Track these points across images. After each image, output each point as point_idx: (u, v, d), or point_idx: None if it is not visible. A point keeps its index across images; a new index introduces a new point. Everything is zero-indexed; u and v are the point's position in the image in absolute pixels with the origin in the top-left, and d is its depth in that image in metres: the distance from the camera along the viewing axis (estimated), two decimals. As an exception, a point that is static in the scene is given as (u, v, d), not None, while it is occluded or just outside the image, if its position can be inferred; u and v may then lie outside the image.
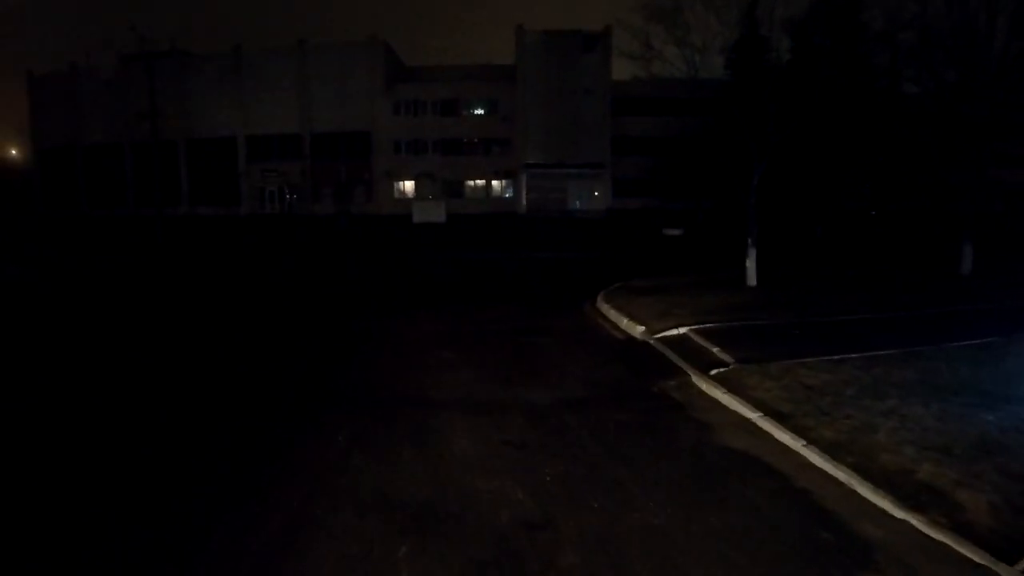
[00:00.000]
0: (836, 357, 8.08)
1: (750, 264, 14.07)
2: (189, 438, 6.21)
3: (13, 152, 65.34)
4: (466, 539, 4.27)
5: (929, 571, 3.91)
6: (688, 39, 14.86)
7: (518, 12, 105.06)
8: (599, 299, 13.05)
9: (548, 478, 5.18)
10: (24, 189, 57.17)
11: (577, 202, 49.21)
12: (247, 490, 5.04)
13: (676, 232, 32.16)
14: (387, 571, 3.94)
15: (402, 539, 4.27)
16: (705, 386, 7.49)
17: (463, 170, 50.43)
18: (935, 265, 17.58)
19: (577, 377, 8.07)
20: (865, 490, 4.80)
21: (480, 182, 51.05)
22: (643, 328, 10.34)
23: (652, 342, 9.73)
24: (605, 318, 11.81)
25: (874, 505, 4.64)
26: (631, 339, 10.23)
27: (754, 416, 6.41)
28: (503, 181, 50.54)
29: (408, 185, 50.82)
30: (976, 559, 3.95)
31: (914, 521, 4.37)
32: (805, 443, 5.60)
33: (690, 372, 8.04)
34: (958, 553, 4.03)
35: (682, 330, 9.91)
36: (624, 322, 11.03)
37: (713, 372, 7.80)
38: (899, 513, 4.48)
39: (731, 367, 7.93)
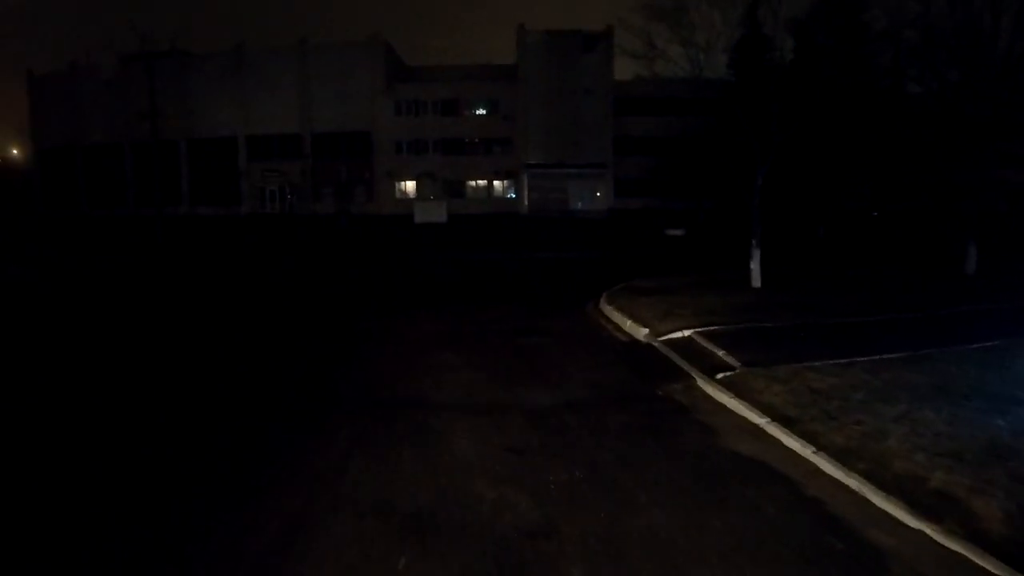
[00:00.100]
0: (843, 360, 7.97)
1: (754, 265, 13.95)
2: (188, 438, 6.15)
3: (14, 152, 65.36)
4: (467, 548, 4.16)
5: (946, 583, 3.81)
6: (692, 38, 14.77)
7: (519, 12, 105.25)
8: (601, 300, 12.94)
9: (552, 485, 5.07)
10: (24, 189, 57.14)
11: (579, 202, 49.12)
12: (245, 492, 5.00)
13: (678, 232, 32.03)
14: (388, 582, 3.85)
15: (402, 546, 4.17)
16: (711, 390, 7.38)
17: (464, 170, 50.35)
18: (939, 265, 17.46)
19: (580, 380, 7.96)
20: (877, 498, 4.69)
21: (481, 182, 50.98)
22: (647, 330, 10.23)
23: (656, 344, 9.63)
24: (608, 319, 11.70)
25: (887, 513, 4.53)
26: (634, 341, 10.12)
27: (761, 421, 6.30)
28: (504, 181, 50.48)
29: (409, 185, 50.75)
30: (993, 570, 3.84)
31: (928, 530, 4.26)
32: (815, 449, 5.49)
33: (695, 375, 7.93)
34: (974, 563, 3.93)
35: (686, 332, 9.80)
36: (627, 324, 10.92)
37: (719, 376, 7.69)
38: (913, 522, 4.37)
39: (737, 371, 7.82)
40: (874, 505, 4.66)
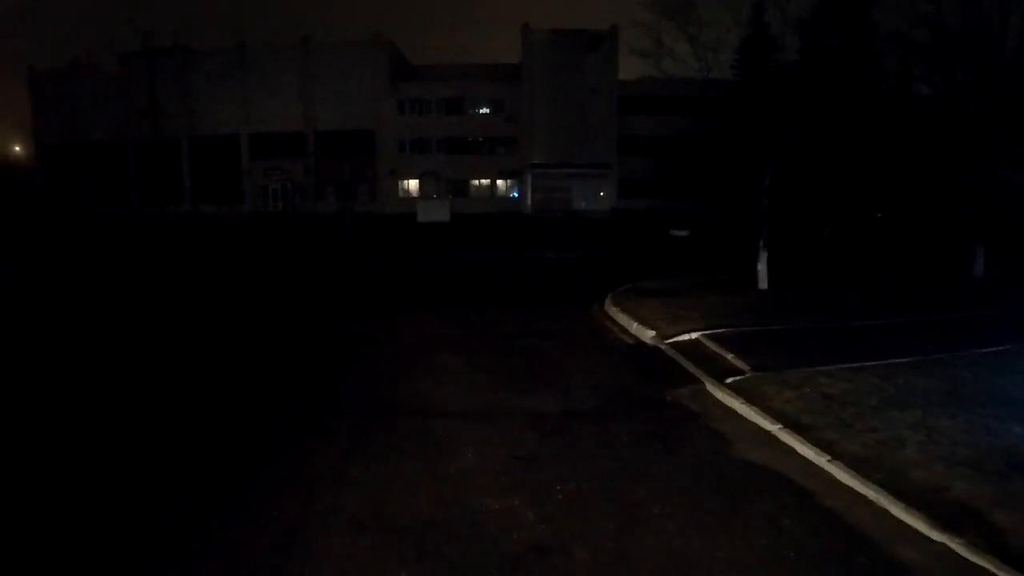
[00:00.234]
0: (855, 365, 7.84)
1: (761, 267, 13.80)
2: (187, 440, 6.09)
3: (16, 149, 65.29)
4: (472, 565, 4.02)
5: (972, 600, 3.69)
6: (700, 36, 14.61)
7: (523, 11, 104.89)
8: (607, 301, 12.80)
9: (559, 496, 4.93)
10: (26, 187, 57.01)
11: (583, 202, 48.92)
12: (245, 492, 4.97)
13: (683, 233, 31.81)
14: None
15: (402, 564, 4.03)
16: (721, 395, 7.25)
17: (468, 169, 50.20)
18: (946, 267, 17.30)
19: (586, 384, 7.82)
20: (897, 509, 4.56)
21: (485, 181, 50.84)
22: (653, 332, 10.10)
23: (663, 347, 9.49)
24: (613, 321, 11.57)
25: (908, 526, 4.40)
26: (641, 344, 9.99)
27: (774, 428, 6.16)
28: (508, 181, 50.35)
29: (412, 184, 50.60)
30: (1021, 587, 3.72)
31: (952, 544, 4.13)
32: (830, 458, 5.36)
33: (704, 380, 7.79)
34: (1001, 580, 3.81)
35: (694, 335, 9.67)
36: (633, 326, 10.79)
37: (728, 380, 7.56)
38: (936, 535, 4.24)
39: (747, 375, 7.69)
40: (894, 517, 4.53)
